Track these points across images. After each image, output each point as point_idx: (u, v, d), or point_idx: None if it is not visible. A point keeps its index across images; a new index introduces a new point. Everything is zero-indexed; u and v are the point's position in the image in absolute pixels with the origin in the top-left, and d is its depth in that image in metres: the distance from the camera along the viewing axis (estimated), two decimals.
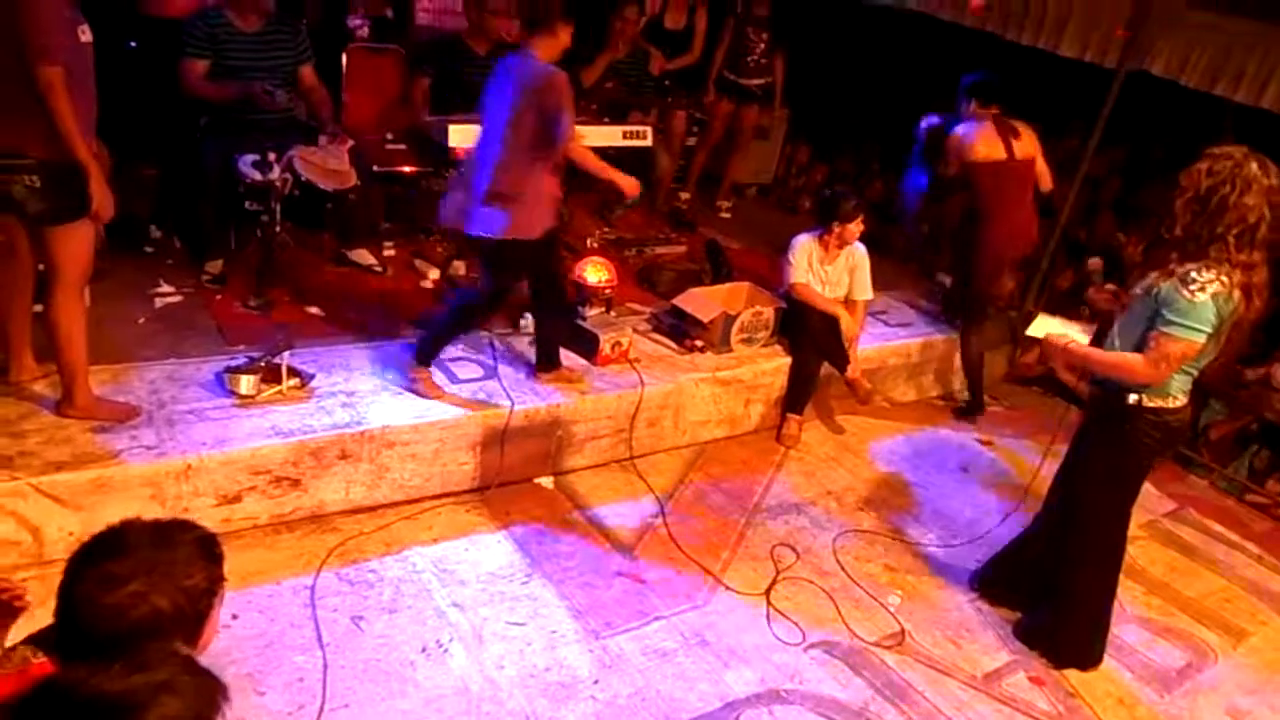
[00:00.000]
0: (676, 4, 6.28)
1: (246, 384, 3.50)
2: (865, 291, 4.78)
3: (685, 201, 6.65)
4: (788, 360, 4.71)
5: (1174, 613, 3.90)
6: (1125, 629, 3.73)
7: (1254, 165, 2.79)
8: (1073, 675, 3.41)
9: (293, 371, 3.61)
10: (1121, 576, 4.01)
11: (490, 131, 3.61)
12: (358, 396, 3.68)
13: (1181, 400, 3.07)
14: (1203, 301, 2.80)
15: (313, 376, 3.68)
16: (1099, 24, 5.32)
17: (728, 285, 5.03)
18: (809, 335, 4.62)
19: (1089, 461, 3.27)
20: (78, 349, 3.18)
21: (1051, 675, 3.40)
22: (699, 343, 4.60)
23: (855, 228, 4.60)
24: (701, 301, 4.67)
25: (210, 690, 1.26)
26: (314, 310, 4.31)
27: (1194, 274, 2.82)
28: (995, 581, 3.73)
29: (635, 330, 4.55)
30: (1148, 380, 2.97)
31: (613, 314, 4.56)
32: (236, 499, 3.32)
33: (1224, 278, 2.80)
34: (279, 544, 3.37)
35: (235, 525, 3.34)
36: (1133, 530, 4.42)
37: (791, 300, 4.72)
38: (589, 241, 5.59)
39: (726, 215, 6.82)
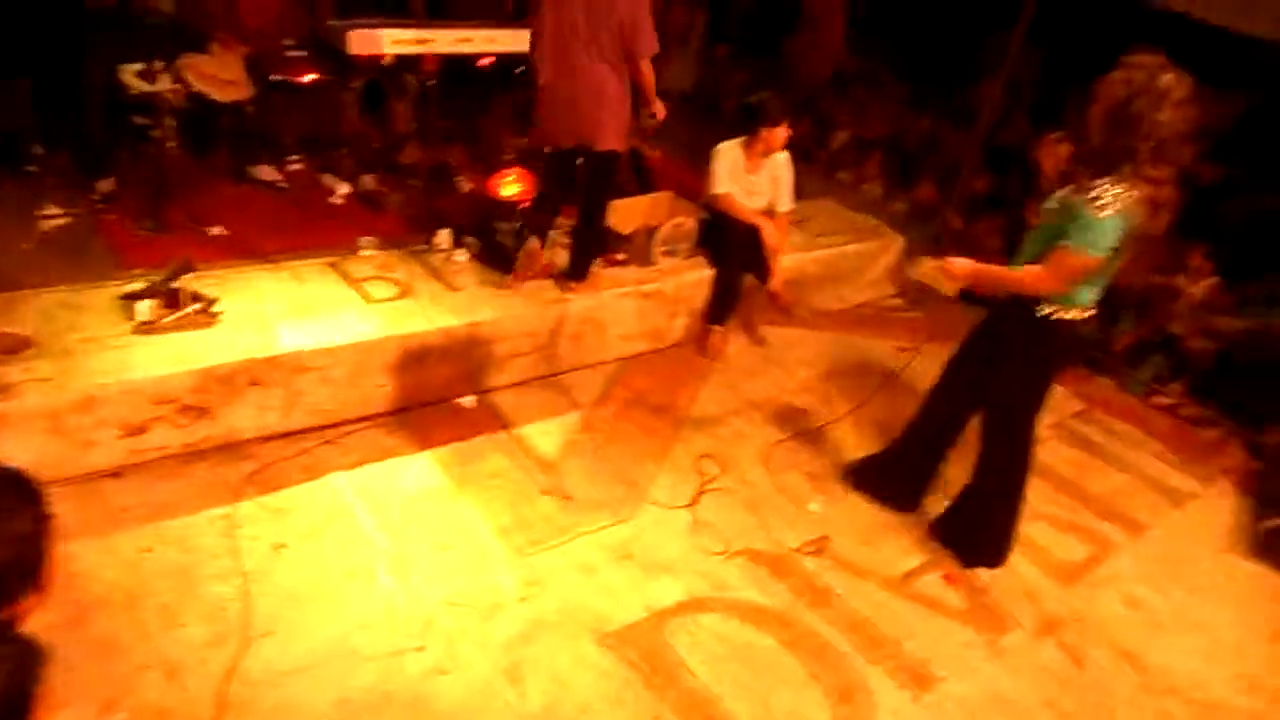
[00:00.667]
0: None
1: (146, 310, 3.34)
2: (786, 202, 4.74)
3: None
4: (710, 272, 4.68)
5: (1079, 509, 4.08)
6: (1033, 525, 3.88)
7: (1169, 76, 2.78)
8: (982, 572, 3.56)
9: (195, 295, 3.45)
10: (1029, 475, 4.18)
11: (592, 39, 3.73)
12: (266, 320, 3.55)
13: (1091, 310, 3.12)
14: (1107, 218, 2.81)
15: (216, 300, 3.52)
16: None
17: (649, 196, 4.95)
18: (731, 246, 4.59)
19: (1002, 371, 3.32)
20: None
21: (963, 573, 3.54)
22: (621, 256, 4.54)
23: (782, 132, 4.50)
24: (622, 214, 4.59)
25: (24, 656, 1.20)
26: (215, 231, 4.11)
27: (1102, 190, 2.82)
28: (866, 475, 3.87)
29: (556, 243, 4.46)
30: (1050, 292, 3.01)
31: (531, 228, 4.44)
32: (142, 429, 3.20)
33: (1132, 193, 2.81)
34: (193, 474, 3.27)
35: (145, 456, 3.23)
36: (1042, 431, 4.61)
37: (714, 211, 4.66)
38: (505, 154, 5.42)
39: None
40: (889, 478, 3.80)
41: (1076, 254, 2.89)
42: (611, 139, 3.89)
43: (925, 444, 3.66)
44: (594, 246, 4.21)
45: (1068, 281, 2.96)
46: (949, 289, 3.33)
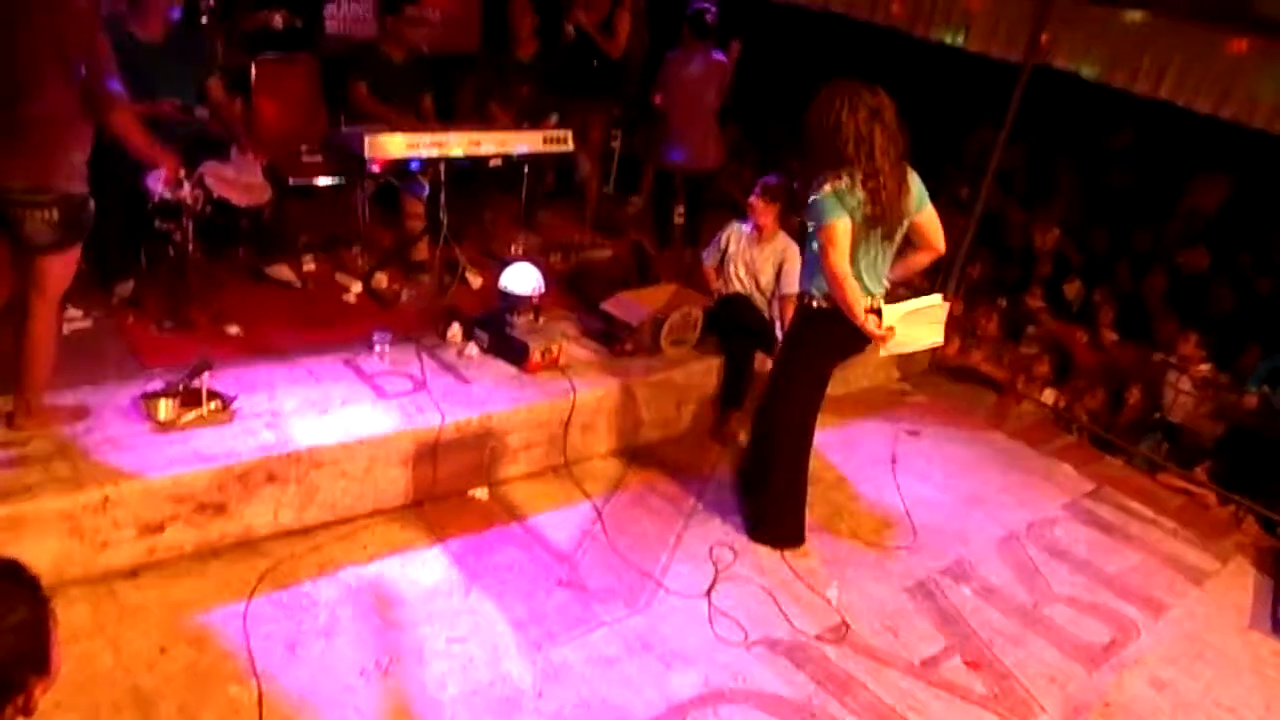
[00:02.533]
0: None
1: (165, 409, 3.38)
2: (791, 286, 4.83)
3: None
4: (719, 360, 4.74)
5: (1098, 589, 4.04)
6: (1053, 608, 3.86)
7: (858, 86, 3.35)
8: (1006, 656, 3.51)
9: (213, 394, 3.50)
10: (1046, 557, 4.18)
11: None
12: (282, 417, 3.59)
13: (865, 301, 3.50)
14: (825, 195, 3.34)
15: (234, 398, 3.57)
16: (1004, 20, 5.50)
17: (655, 287, 5.04)
18: (739, 329, 4.70)
19: (783, 361, 3.87)
20: (47, 362, 3.21)
21: (985, 659, 3.49)
22: (629, 346, 4.61)
23: (756, 201, 4.67)
24: (629, 305, 4.68)
25: None
26: (232, 330, 4.18)
27: (821, 178, 3.37)
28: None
29: (565, 336, 4.53)
30: (834, 270, 3.40)
31: (541, 320, 4.53)
32: (159, 529, 3.20)
33: (845, 178, 3.34)
34: (207, 572, 3.26)
35: (160, 556, 3.23)
36: (1054, 511, 4.62)
37: (719, 299, 4.79)
38: (513, 248, 5.55)
39: (679, 220, 6.76)
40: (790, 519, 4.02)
41: (822, 229, 3.38)
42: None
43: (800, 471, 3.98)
44: None
45: (832, 250, 3.37)
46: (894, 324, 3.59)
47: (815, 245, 3.46)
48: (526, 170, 5.31)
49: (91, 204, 3.12)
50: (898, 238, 3.55)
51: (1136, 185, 6.95)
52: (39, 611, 1.46)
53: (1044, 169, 7.36)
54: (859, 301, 3.45)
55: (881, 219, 3.40)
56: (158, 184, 3.72)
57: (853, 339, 3.62)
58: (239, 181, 4.11)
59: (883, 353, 3.73)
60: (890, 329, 3.51)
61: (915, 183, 3.51)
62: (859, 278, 3.47)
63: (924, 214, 3.56)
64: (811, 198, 3.40)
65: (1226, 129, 5.03)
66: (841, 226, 3.35)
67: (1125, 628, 3.83)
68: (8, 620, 1.40)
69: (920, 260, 3.72)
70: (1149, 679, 3.56)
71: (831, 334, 3.62)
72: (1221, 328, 5.71)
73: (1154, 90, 5.06)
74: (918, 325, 3.62)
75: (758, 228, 4.72)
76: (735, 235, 4.79)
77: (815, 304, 3.58)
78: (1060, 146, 7.28)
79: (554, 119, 5.60)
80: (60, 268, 3.12)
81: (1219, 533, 4.70)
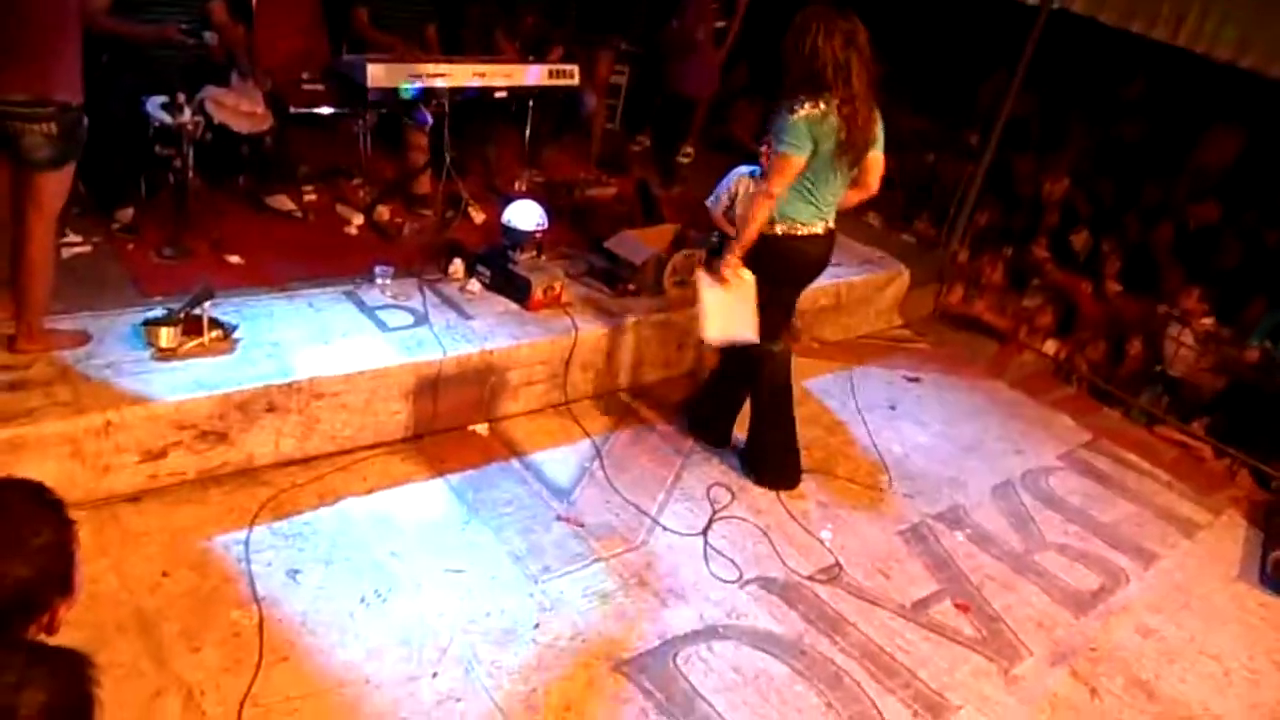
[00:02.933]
0: None
1: (166, 336, 3.38)
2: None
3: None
4: None
5: (1090, 539, 4.09)
6: (1045, 555, 3.90)
7: (832, 12, 3.32)
8: (994, 599, 3.56)
9: (214, 322, 3.49)
10: (1040, 505, 4.22)
11: None
12: (283, 347, 3.58)
13: (815, 229, 3.55)
14: (798, 118, 3.30)
15: (235, 327, 3.56)
16: None
17: (659, 227, 5.00)
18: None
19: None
20: (45, 283, 3.18)
21: (975, 602, 3.54)
22: (631, 286, 4.59)
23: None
24: (633, 244, 4.64)
25: (70, 666, 1.22)
26: (233, 259, 4.16)
27: (796, 100, 3.32)
28: (699, 423, 4.22)
29: (567, 274, 4.51)
30: (771, 196, 3.42)
31: (543, 258, 4.50)
32: (162, 454, 3.22)
33: (821, 104, 3.30)
34: (209, 499, 3.29)
35: (162, 481, 3.25)
36: (1050, 461, 4.65)
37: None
38: (517, 184, 5.49)
39: (685, 160, 6.70)
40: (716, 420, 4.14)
41: (780, 154, 3.35)
42: None
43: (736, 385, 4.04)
44: None
45: (779, 180, 3.38)
46: (735, 282, 3.60)
47: (773, 159, 3.42)
48: (531, 105, 5.23)
49: (85, 119, 3.08)
50: (856, 170, 3.56)
51: (1148, 137, 6.85)
52: (64, 533, 1.49)
53: (1056, 119, 7.25)
54: (755, 235, 3.49)
55: (852, 146, 3.40)
56: (158, 109, 3.67)
57: (807, 269, 3.69)
58: (239, 108, 4.05)
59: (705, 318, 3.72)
60: (740, 277, 3.56)
61: (879, 119, 3.50)
62: (817, 202, 3.50)
63: (874, 153, 3.55)
64: (781, 118, 3.35)
65: (1240, 81, 4.94)
66: (798, 162, 3.35)
67: (1115, 576, 3.88)
68: (34, 542, 1.42)
69: (851, 198, 3.69)
70: (1135, 626, 3.62)
71: (796, 262, 3.63)
72: (1227, 281, 5.67)
73: (1172, 37, 4.97)
74: (744, 305, 3.64)
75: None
76: (744, 181, 4.71)
77: (782, 232, 3.55)
78: (1073, 96, 7.15)
79: (559, 52, 5.50)
80: (56, 184, 3.08)
81: (1213, 486, 4.74)
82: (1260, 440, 4.90)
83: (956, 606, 3.51)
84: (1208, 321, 5.48)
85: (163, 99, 3.83)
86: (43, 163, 3.00)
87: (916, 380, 5.16)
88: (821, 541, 3.70)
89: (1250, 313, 5.58)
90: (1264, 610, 3.87)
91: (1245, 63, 4.78)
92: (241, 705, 2.55)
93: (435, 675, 2.78)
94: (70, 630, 1.99)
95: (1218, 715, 3.27)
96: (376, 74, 4.28)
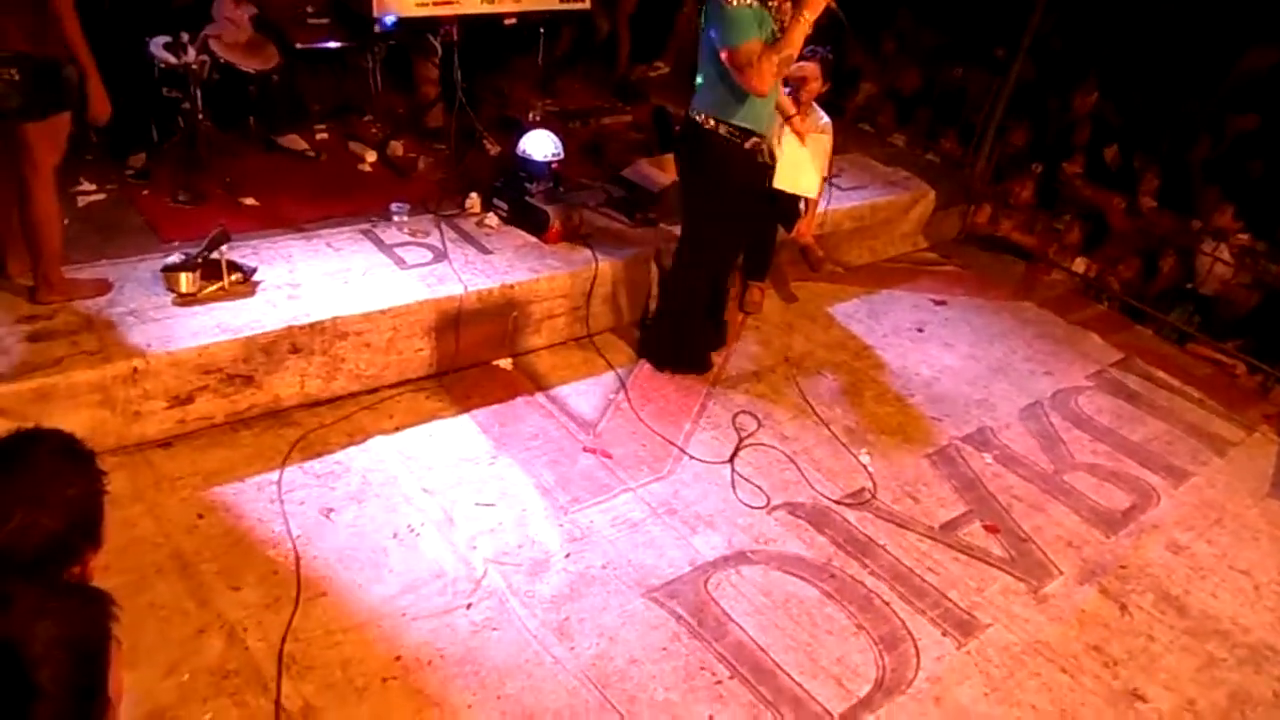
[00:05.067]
0: None
1: (186, 281, 3.37)
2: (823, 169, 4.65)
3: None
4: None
5: (1120, 458, 4.05)
6: (1074, 475, 3.88)
7: None
8: (1023, 520, 3.55)
9: (233, 266, 3.48)
10: (1069, 425, 4.18)
11: None
12: (303, 288, 3.57)
13: (761, 127, 3.54)
14: (737, 6, 3.25)
15: (254, 270, 3.55)
16: None
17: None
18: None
19: (686, 184, 3.80)
20: (55, 234, 3.17)
21: (1004, 523, 3.54)
22: (651, 214, 4.52)
23: (811, 67, 4.13)
24: (650, 172, 4.57)
25: (88, 603, 1.22)
26: (248, 201, 4.13)
27: None
28: (669, 358, 4.13)
29: (585, 205, 4.45)
30: (757, 91, 3.37)
31: (560, 189, 4.44)
32: (189, 399, 3.24)
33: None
34: (239, 442, 3.32)
35: (191, 426, 3.28)
36: (1080, 381, 4.60)
37: None
38: (531, 115, 5.39)
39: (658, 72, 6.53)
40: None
41: (736, 48, 3.28)
42: None
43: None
44: None
45: (754, 72, 3.30)
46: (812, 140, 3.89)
47: (721, 65, 3.36)
48: (543, 32, 5.11)
49: (69, 71, 2.97)
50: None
51: (1185, 53, 6.59)
52: (94, 485, 1.50)
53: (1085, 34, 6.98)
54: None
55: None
56: (161, 49, 3.60)
57: (753, 172, 3.66)
58: (238, 41, 3.96)
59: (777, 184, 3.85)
60: (817, 138, 3.68)
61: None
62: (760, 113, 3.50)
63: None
64: (721, 6, 3.27)
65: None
66: (756, 48, 3.28)
67: (1145, 494, 3.86)
68: (65, 493, 1.44)
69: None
70: (1166, 543, 3.61)
71: (739, 159, 3.57)
72: (1263, 196, 5.50)
73: None
74: (813, 160, 3.81)
75: (798, 100, 4.44)
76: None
77: (722, 130, 3.51)
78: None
79: None
80: (37, 136, 3.00)
81: (1246, 403, 4.68)
82: None
83: (986, 528, 3.50)
84: (1244, 236, 5.34)
85: (165, 39, 3.76)
86: (12, 112, 2.93)
87: (943, 303, 5.09)
88: (864, 465, 3.69)
89: None
90: None
91: None
92: (283, 640, 2.60)
93: (470, 606, 2.82)
94: (110, 575, 2.03)
95: (1247, 628, 3.27)
96: (383, 1, 4.17)
